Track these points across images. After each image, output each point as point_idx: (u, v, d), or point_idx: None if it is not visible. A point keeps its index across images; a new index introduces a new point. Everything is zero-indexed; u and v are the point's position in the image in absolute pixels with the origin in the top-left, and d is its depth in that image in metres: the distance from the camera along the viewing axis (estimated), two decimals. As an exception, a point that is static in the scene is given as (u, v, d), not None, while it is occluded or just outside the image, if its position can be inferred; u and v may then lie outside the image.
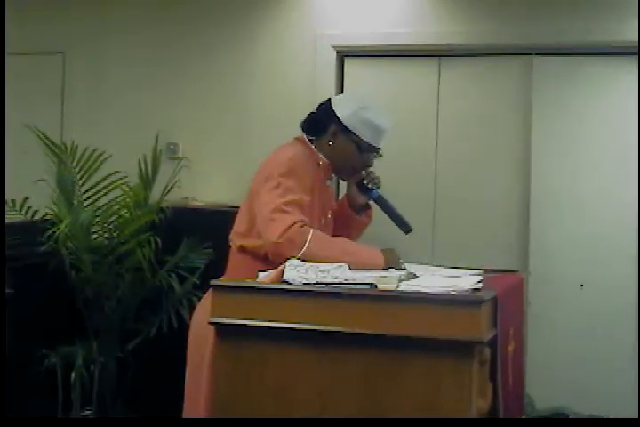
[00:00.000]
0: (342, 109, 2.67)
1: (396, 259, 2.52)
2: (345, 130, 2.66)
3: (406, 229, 2.71)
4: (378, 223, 2.85)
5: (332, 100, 2.73)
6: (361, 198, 2.77)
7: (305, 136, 2.72)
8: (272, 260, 2.43)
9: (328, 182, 2.77)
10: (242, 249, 2.64)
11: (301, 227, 2.42)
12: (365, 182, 2.74)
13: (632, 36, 4.14)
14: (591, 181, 4.31)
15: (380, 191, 2.74)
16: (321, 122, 2.70)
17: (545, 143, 4.35)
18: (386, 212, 2.73)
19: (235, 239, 2.68)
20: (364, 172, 2.74)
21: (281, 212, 2.45)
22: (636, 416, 3.93)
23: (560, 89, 4.35)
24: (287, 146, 2.72)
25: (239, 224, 2.69)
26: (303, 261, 2.29)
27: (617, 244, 4.26)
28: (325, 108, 2.72)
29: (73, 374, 3.82)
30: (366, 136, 2.65)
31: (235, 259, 2.69)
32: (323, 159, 2.69)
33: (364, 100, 2.73)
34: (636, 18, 4.12)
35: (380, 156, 2.73)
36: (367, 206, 2.82)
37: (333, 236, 2.62)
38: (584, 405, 3.72)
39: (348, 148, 2.67)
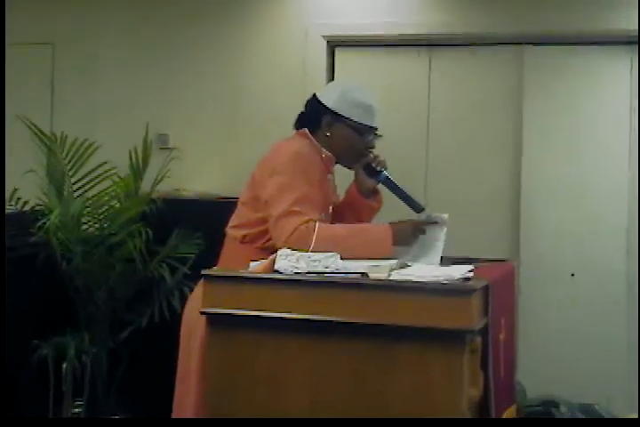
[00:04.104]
0: (328, 98, 2.70)
1: (407, 233, 2.57)
2: (337, 117, 2.68)
3: (418, 208, 2.72)
4: (386, 207, 2.85)
5: (317, 94, 2.76)
6: (369, 182, 2.77)
7: (307, 130, 2.73)
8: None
9: (329, 176, 2.77)
10: (244, 239, 2.64)
11: (306, 227, 2.45)
12: (373, 165, 2.74)
13: (624, 25, 4.15)
14: (582, 170, 4.32)
15: (387, 173, 2.75)
16: (312, 117, 2.73)
17: (536, 133, 4.35)
18: (395, 193, 2.73)
19: (237, 229, 2.69)
20: (371, 155, 2.75)
21: (288, 214, 2.48)
22: (625, 404, 3.97)
23: (551, 79, 4.35)
24: (291, 140, 2.73)
25: (242, 215, 2.69)
26: None
27: (607, 233, 4.28)
28: (313, 103, 2.75)
29: (65, 365, 3.82)
30: (359, 117, 2.68)
31: (235, 249, 2.68)
32: (325, 152, 2.70)
33: (346, 84, 2.83)
34: (628, 6, 4.13)
35: (380, 136, 2.74)
36: (376, 191, 2.83)
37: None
38: (575, 393, 3.74)
39: (346, 133, 2.69)
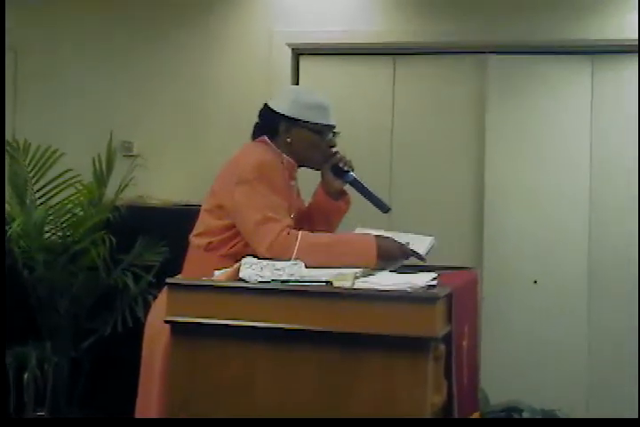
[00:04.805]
0: (281, 104, 2.70)
1: (393, 252, 2.51)
2: (294, 122, 2.68)
3: (384, 208, 2.73)
4: (352, 208, 2.86)
5: (268, 103, 2.76)
6: (337, 183, 2.77)
7: (266, 137, 2.73)
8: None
9: (292, 182, 2.77)
10: (208, 246, 2.63)
11: (288, 234, 2.45)
12: (341, 165, 2.75)
13: (585, 35, 4.23)
14: (544, 179, 4.37)
15: (354, 174, 2.76)
16: (269, 125, 2.73)
17: (499, 142, 4.40)
18: (362, 193, 2.74)
19: (200, 237, 2.67)
20: (337, 156, 2.76)
21: (267, 220, 2.48)
22: (586, 409, 4.01)
23: (514, 88, 4.40)
24: (252, 147, 2.72)
25: (206, 223, 2.67)
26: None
27: (569, 240, 4.33)
28: (266, 112, 2.75)
29: (26, 375, 3.77)
30: (316, 118, 2.68)
31: (199, 256, 2.67)
32: (286, 158, 2.70)
33: (294, 88, 2.92)
34: (590, 17, 4.20)
35: (339, 133, 2.76)
36: (343, 192, 2.83)
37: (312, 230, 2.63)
38: (537, 399, 3.77)
39: (307, 136, 2.69)
